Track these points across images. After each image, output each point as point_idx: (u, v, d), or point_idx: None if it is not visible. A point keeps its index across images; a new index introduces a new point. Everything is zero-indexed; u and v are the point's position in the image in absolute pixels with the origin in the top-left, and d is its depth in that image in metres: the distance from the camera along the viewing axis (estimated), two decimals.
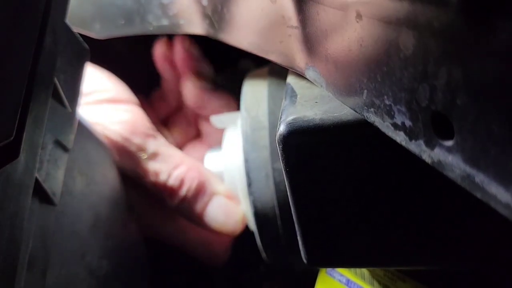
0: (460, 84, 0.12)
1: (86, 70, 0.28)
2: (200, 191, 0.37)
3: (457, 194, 0.18)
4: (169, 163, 0.37)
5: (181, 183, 0.37)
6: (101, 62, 0.38)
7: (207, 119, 0.44)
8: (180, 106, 0.48)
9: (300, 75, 0.23)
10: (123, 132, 0.36)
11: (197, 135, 0.48)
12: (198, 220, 0.37)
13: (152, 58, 0.46)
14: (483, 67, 0.11)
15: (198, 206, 0.37)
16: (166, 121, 0.48)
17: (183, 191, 0.37)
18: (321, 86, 0.20)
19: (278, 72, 0.33)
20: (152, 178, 0.36)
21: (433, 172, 0.15)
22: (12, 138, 0.20)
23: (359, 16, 0.16)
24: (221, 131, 0.39)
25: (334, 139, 0.20)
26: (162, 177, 0.37)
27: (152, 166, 0.36)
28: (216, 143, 0.41)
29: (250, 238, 0.35)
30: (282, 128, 0.21)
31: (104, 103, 0.37)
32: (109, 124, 0.36)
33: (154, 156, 0.37)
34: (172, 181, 0.37)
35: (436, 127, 0.14)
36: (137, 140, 0.36)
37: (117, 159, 0.36)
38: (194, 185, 0.37)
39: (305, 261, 0.23)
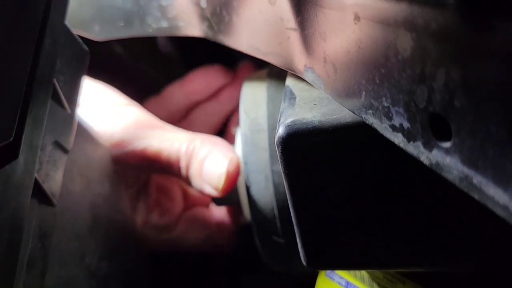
0: (458, 86, 0.12)
1: (86, 71, 0.28)
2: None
3: (456, 196, 0.18)
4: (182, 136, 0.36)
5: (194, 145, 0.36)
6: (100, 64, 0.38)
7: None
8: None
9: (299, 77, 0.23)
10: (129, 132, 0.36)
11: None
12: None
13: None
14: (481, 68, 0.11)
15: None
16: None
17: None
18: (320, 88, 0.21)
19: (277, 74, 0.33)
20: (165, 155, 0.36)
21: (432, 174, 0.15)
22: (11, 139, 0.20)
23: (357, 17, 0.16)
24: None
25: (333, 141, 0.20)
26: (175, 145, 0.36)
27: (165, 145, 0.36)
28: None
29: (251, 240, 0.35)
30: (281, 130, 0.21)
31: (108, 107, 0.38)
32: (114, 128, 0.36)
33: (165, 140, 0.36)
34: (185, 148, 0.36)
35: (434, 129, 0.14)
36: (143, 133, 0.36)
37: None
38: (207, 143, 0.36)
39: (304, 263, 0.23)
